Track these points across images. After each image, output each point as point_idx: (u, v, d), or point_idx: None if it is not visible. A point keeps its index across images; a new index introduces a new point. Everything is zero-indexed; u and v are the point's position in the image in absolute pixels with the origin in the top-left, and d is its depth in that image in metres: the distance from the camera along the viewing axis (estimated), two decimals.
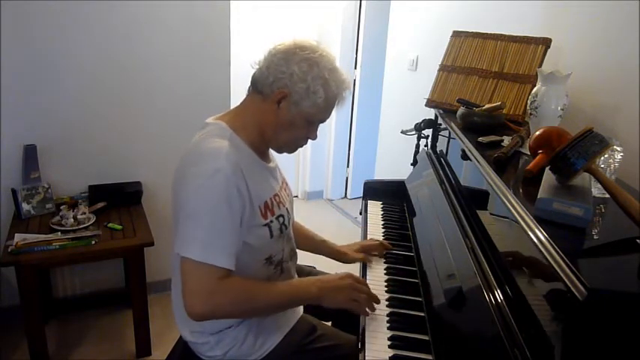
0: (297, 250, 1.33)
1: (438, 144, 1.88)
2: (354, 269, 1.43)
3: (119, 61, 2.15)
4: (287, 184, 1.28)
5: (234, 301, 1.02)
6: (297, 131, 1.13)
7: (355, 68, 3.74)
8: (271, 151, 1.23)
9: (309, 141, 1.19)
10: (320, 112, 1.11)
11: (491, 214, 1.15)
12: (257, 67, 1.11)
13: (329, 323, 1.40)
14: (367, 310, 1.14)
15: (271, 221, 1.12)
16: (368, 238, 1.58)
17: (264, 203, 1.11)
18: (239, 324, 1.15)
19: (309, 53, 1.06)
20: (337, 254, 1.45)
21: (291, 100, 1.07)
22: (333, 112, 1.16)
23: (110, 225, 1.98)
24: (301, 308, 1.29)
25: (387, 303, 1.21)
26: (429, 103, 1.80)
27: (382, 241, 1.51)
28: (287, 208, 1.20)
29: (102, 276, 2.38)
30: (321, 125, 1.16)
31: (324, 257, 1.47)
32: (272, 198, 1.14)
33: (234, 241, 1.02)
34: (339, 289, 1.12)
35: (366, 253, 1.45)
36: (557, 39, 1.57)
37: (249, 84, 1.14)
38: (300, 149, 1.22)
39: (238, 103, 1.18)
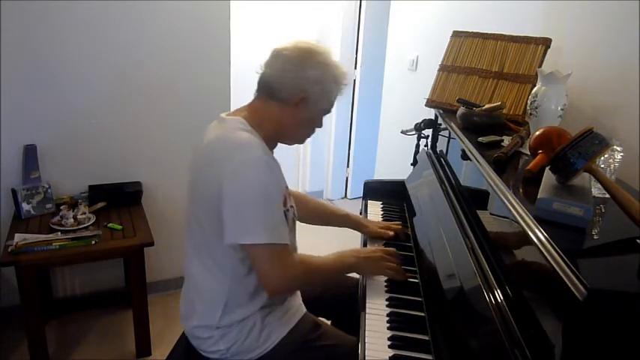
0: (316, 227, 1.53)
1: (438, 144, 1.88)
2: None
3: (119, 61, 2.15)
4: None
5: (303, 271, 1.14)
6: (313, 125, 1.25)
7: (355, 68, 3.73)
8: None
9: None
10: (331, 105, 1.23)
11: (491, 214, 1.15)
12: (262, 71, 1.17)
13: (328, 322, 1.40)
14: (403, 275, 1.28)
15: (287, 209, 1.18)
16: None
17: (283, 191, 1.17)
18: (243, 319, 1.15)
19: (320, 56, 1.15)
20: (360, 226, 1.57)
21: (309, 101, 1.16)
22: (333, 112, 1.22)
23: (110, 225, 1.98)
24: (303, 306, 1.29)
25: (387, 303, 1.21)
26: (429, 103, 1.80)
27: (404, 227, 1.61)
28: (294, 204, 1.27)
29: (102, 276, 2.38)
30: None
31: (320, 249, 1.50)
32: (287, 188, 1.20)
33: (284, 219, 1.11)
34: (372, 259, 1.28)
35: (387, 230, 1.56)
36: (557, 39, 1.56)
37: (255, 87, 1.19)
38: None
39: (245, 104, 1.21)
